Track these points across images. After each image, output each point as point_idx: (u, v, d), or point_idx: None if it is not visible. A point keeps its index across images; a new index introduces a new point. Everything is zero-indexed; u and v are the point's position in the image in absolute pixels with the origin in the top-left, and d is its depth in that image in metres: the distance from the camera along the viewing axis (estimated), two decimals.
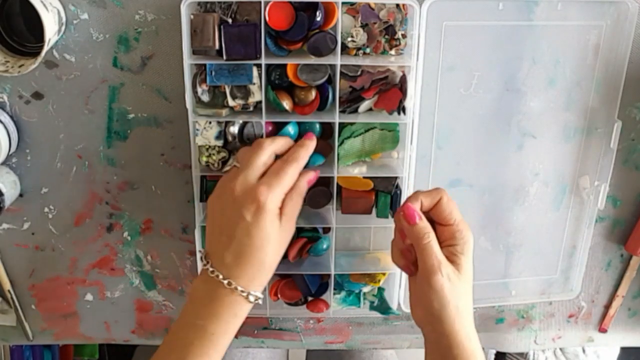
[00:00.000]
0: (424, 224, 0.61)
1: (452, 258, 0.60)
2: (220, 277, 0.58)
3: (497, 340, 0.87)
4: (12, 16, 0.65)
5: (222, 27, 0.63)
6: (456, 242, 0.61)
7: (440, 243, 0.61)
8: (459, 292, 0.59)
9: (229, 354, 0.98)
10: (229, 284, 0.58)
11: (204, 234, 0.73)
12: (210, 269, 0.59)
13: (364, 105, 0.69)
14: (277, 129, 0.69)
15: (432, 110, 0.70)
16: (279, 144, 0.64)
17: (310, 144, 0.65)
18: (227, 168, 0.70)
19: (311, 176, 0.65)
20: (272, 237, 0.59)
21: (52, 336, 0.83)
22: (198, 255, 0.63)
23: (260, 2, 0.62)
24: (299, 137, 0.69)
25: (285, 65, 0.66)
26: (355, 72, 0.67)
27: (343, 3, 0.64)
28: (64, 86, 0.69)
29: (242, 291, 0.58)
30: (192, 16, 0.63)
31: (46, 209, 0.75)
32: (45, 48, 0.61)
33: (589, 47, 0.70)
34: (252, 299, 0.59)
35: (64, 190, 0.74)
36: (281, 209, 0.61)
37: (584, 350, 1.24)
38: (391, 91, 0.68)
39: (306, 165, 0.65)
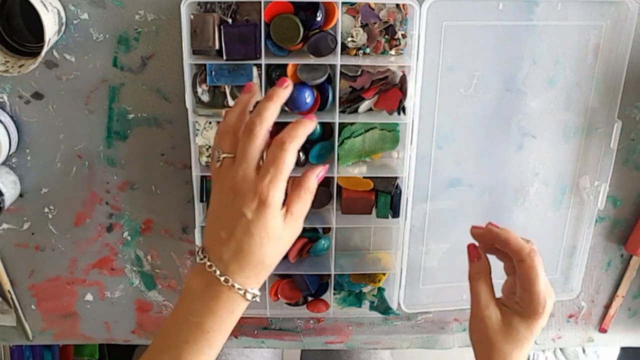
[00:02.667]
0: (479, 265, 0.66)
1: (506, 311, 0.64)
2: (218, 272, 0.56)
3: None
4: (12, 16, 0.65)
5: (222, 27, 0.63)
6: (523, 302, 0.63)
7: (512, 292, 0.65)
8: (492, 340, 0.63)
9: (225, 353, 0.98)
10: (226, 280, 0.56)
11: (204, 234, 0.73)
12: (208, 264, 0.56)
13: (364, 105, 0.69)
14: (277, 130, 0.69)
15: (432, 110, 0.70)
16: (267, 119, 0.57)
17: (309, 124, 0.59)
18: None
19: (320, 172, 0.60)
20: (273, 235, 0.56)
21: (52, 336, 0.83)
22: (196, 250, 0.62)
23: (260, 2, 0.63)
24: None
25: (285, 65, 0.66)
26: (355, 72, 0.67)
27: (343, 3, 0.64)
28: (64, 86, 0.69)
29: (240, 289, 0.56)
30: (192, 16, 0.63)
31: (46, 209, 0.75)
32: (45, 48, 0.61)
33: (589, 47, 0.70)
34: (249, 296, 0.57)
35: (64, 190, 0.74)
36: (287, 206, 0.57)
37: (584, 351, 1.24)
38: (391, 91, 0.68)
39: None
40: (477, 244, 0.67)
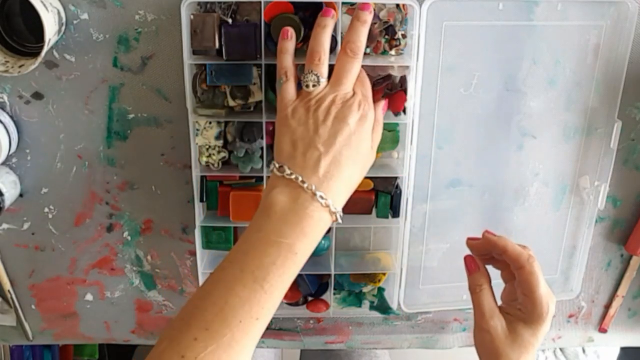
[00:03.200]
0: (478, 276, 0.66)
1: (509, 319, 0.65)
2: (313, 187, 0.54)
3: None
4: (12, 16, 0.65)
5: (222, 27, 0.63)
6: (526, 309, 0.64)
7: (512, 299, 0.66)
8: (499, 350, 0.63)
9: None
10: (322, 197, 0.54)
11: (204, 234, 0.73)
12: (300, 179, 0.54)
13: None
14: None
15: (432, 110, 0.70)
16: (364, 42, 0.60)
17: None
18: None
19: (383, 105, 0.64)
20: (365, 153, 0.58)
21: (52, 336, 0.83)
22: (272, 167, 0.58)
23: (260, 2, 0.62)
24: None
25: None
26: None
27: (343, 3, 0.64)
28: (64, 86, 0.69)
29: (333, 208, 0.54)
30: (192, 16, 0.63)
31: (46, 209, 0.75)
32: (45, 48, 0.61)
33: (589, 47, 0.70)
34: (338, 217, 0.56)
35: (64, 190, 0.74)
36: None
37: (583, 350, 1.24)
38: (397, 94, 0.68)
39: None
40: (470, 259, 0.68)
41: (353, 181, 0.58)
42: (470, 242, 0.68)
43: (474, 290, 0.66)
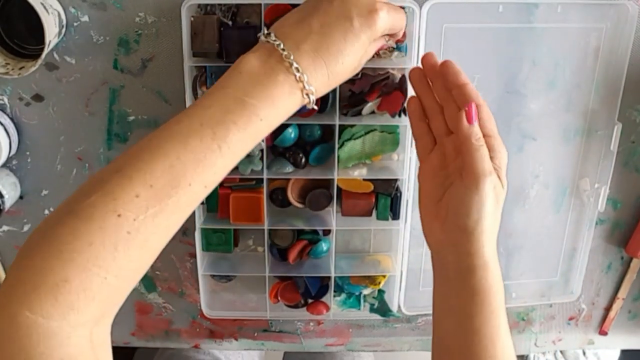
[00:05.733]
0: (478, 127, 0.56)
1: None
2: (292, 57, 0.49)
3: None
4: (13, 18, 0.66)
5: (222, 29, 0.63)
6: (495, 154, 0.56)
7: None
8: (499, 207, 0.56)
9: (209, 354, 0.96)
10: (297, 70, 0.49)
11: (204, 236, 0.73)
12: (282, 47, 0.50)
13: (366, 108, 0.69)
14: (277, 132, 0.69)
15: None
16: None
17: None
18: None
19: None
20: (357, 57, 0.53)
21: None
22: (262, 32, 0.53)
23: (260, 5, 0.63)
24: (299, 140, 0.69)
25: None
26: (355, 75, 0.67)
27: None
28: (64, 88, 0.69)
29: (306, 85, 0.50)
30: (192, 18, 0.63)
31: (46, 211, 0.75)
32: (46, 50, 0.61)
33: (589, 50, 0.70)
34: (311, 99, 0.51)
35: (64, 193, 0.74)
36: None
37: (584, 353, 1.24)
38: (394, 94, 0.68)
39: None
40: (473, 106, 0.56)
41: (342, 72, 0.53)
42: (420, 71, 0.60)
43: (478, 140, 0.55)
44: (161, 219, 0.44)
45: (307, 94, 0.51)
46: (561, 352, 1.24)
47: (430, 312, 0.56)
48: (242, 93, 0.48)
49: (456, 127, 0.55)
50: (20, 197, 0.74)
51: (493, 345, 0.53)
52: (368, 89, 0.68)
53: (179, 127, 0.46)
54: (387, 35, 0.58)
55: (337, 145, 0.69)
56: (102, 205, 0.41)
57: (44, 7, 0.60)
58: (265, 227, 0.72)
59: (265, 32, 0.52)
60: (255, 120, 0.48)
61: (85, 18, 0.66)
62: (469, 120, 0.55)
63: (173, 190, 0.44)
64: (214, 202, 0.72)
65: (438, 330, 0.57)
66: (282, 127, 0.67)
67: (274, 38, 0.51)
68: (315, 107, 0.52)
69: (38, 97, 0.69)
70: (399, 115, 0.69)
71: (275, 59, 0.50)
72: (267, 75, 0.49)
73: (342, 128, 0.68)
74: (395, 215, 0.73)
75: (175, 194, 0.44)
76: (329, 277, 0.75)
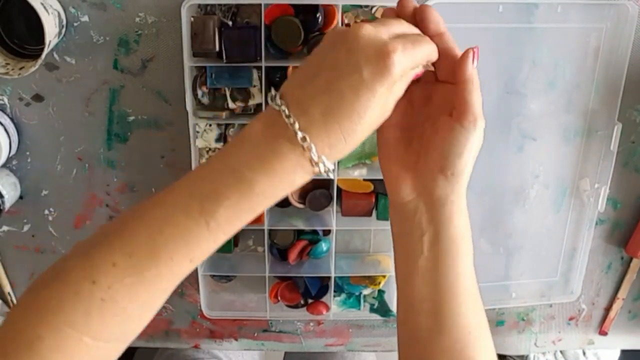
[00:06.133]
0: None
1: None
2: (297, 126, 0.44)
3: (498, 342, 0.86)
4: (13, 18, 0.66)
5: (222, 29, 0.63)
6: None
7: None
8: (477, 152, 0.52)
9: (209, 354, 0.96)
10: (304, 139, 0.44)
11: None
12: (286, 112, 0.44)
13: None
14: None
15: None
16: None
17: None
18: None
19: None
20: (378, 109, 0.46)
21: None
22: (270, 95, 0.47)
23: (260, 5, 0.63)
24: None
25: (285, 68, 0.66)
26: None
27: (343, 5, 0.64)
28: (64, 88, 0.69)
29: (314, 155, 0.44)
30: (192, 18, 0.63)
31: (46, 211, 0.75)
32: (46, 50, 0.61)
33: (589, 50, 0.70)
34: (321, 168, 0.45)
35: (64, 193, 0.74)
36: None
37: (584, 353, 1.24)
38: None
39: None
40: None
41: (359, 135, 0.46)
42: (393, 11, 0.53)
43: (477, 81, 0.51)
44: (140, 289, 0.42)
45: (316, 164, 0.45)
46: (561, 352, 1.24)
47: None
48: (240, 164, 0.44)
49: (455, 70, 0.51)
50: (20, 197, 0.74)
51: (471, 293, 0.51)
52: None
53: (168, 197, 0.44)
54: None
55: None
56: (80, 270, 0.42)
57: (44, 7, 0.60)
58: (265, 227, 0.72)
59: (273, 92, 0.47)
60: (251, 195, 0.44)
61: (85, 18, 0.66)
62: (473, 60, 0.51)
63: (152, 263, 0.42)
64: None
65: (405, 293, 0.53)
66: None
67: (278, 102, 0.45)
68: (331, 176, 0.46)
69: (38, 97, 0.69)
70: None
71: (279, 126, 0.44)
72: (268, 145, 0.44)
73: None
74: None
75: (154, 266, 0.42)
76: (329, 277, 0.75)
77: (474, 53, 0.51)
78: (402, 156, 0.53)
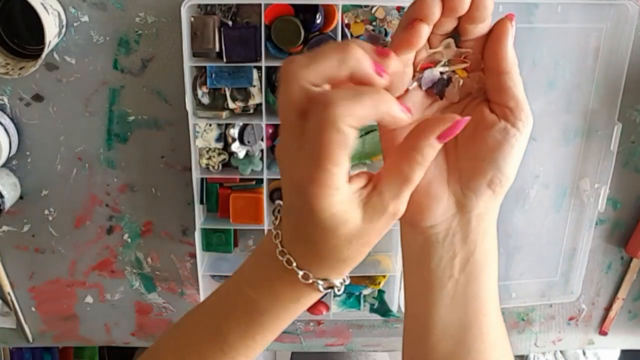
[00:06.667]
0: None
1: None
2: (287, 255, 0.40)
3: None
4: (13, 18, 0.66)
5: (222, 29, 0.63)
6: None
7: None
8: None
9: None
10: (299, 267, 0.40)
11: (204, 236, 0.73)
12: (280, 249, 0.40)
13: None
14: (277, 132, 0.69)
15: None
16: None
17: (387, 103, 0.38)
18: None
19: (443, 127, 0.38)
20: (348, 218, 0.38)
21: (51, 338, 0.83)
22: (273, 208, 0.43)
23: (260, 5, 0.63)
24: None
25: None
26: None
27: (343, 5, 0.64)
28: (64, 88, 0.69)
29: (308, 278, 0.40)
30: (192, 18, 0.63)
31: (46, 211, 0.75)
32: (46, 50, 0.61)
33: (589, 50, 0.70)
34: (323, 287, 0.40)
35: (64, 193, 0.74)
36: (376, 185, 0.41)
37: (584, 353, 1.24)
38: None
39: None
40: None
41: (346, 253, 0.40)
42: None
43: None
44: None
45: (317, 288, 0.40)
46: (561, 352, 1.24)
47: None
48: (246, 284, 0.42)
49: (490, 56, 0.44)
50: (20, 197, 0.74)
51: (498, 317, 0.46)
52: None
53: (191, 325, 0.45)
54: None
55: None
56: None
57: (44, 7, 0.60)
58: (265, 227, 0.72)
59: (277, 202, 0.42)
60: (256, 316, 0.41)
61: (86, 18, 0.66)
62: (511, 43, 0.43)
63: None
64: (214, 202, 0.72)
65: (424, 322, 0.46)
66: None
67: (273, 218, 0.41)
68: (338, 293, 0.42)
69: (38, 97, 0.69)
70: None
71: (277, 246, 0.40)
72: (266, 267, 0.41)
73: None
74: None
75: None
76: None
77: (510, 24, 0.41)
78: (431, 172, 0.43)
